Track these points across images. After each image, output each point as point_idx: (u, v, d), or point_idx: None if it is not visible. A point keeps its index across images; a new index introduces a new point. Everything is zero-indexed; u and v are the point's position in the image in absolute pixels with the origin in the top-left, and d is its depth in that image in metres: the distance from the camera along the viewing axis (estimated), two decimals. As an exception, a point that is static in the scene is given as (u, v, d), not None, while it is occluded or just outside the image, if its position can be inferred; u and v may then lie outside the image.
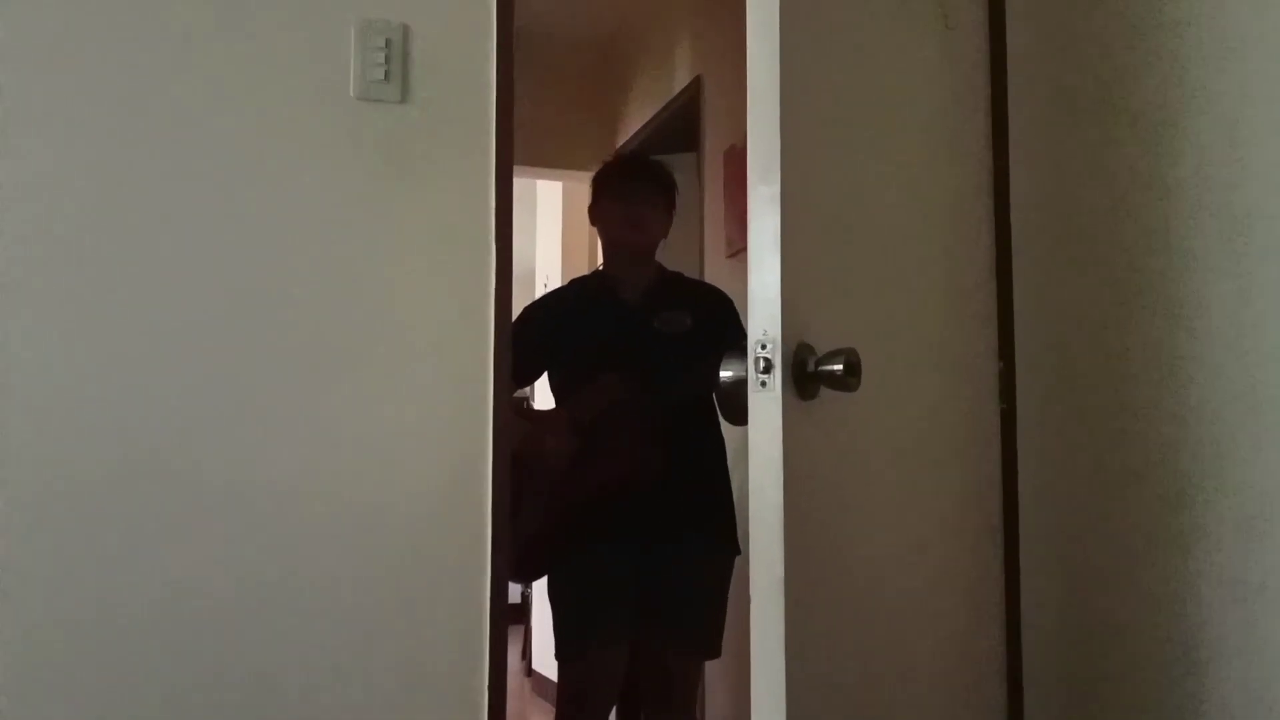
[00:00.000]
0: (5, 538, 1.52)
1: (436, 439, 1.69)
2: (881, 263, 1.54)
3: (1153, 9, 1.71)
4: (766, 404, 1.22)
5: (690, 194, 3.81)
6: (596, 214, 2.57)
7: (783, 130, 1.24)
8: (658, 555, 2.37)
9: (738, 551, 2.43)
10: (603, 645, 2.35)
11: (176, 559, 1.58)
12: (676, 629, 2.39)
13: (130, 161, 1.60)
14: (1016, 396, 1.85)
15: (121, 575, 1.55)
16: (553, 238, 5.32)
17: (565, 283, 2.90)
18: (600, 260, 2.65)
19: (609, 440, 2.37)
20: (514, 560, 1.76)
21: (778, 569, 1.18)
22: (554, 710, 2.51)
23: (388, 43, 1.71)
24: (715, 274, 3.59)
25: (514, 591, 5.41)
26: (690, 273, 3.16)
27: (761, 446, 1.22)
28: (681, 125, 4.00)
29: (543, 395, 3.43)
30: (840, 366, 1.23)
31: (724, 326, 2.43)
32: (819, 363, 1.25)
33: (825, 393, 1.27)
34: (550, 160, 4.65)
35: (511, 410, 1.76)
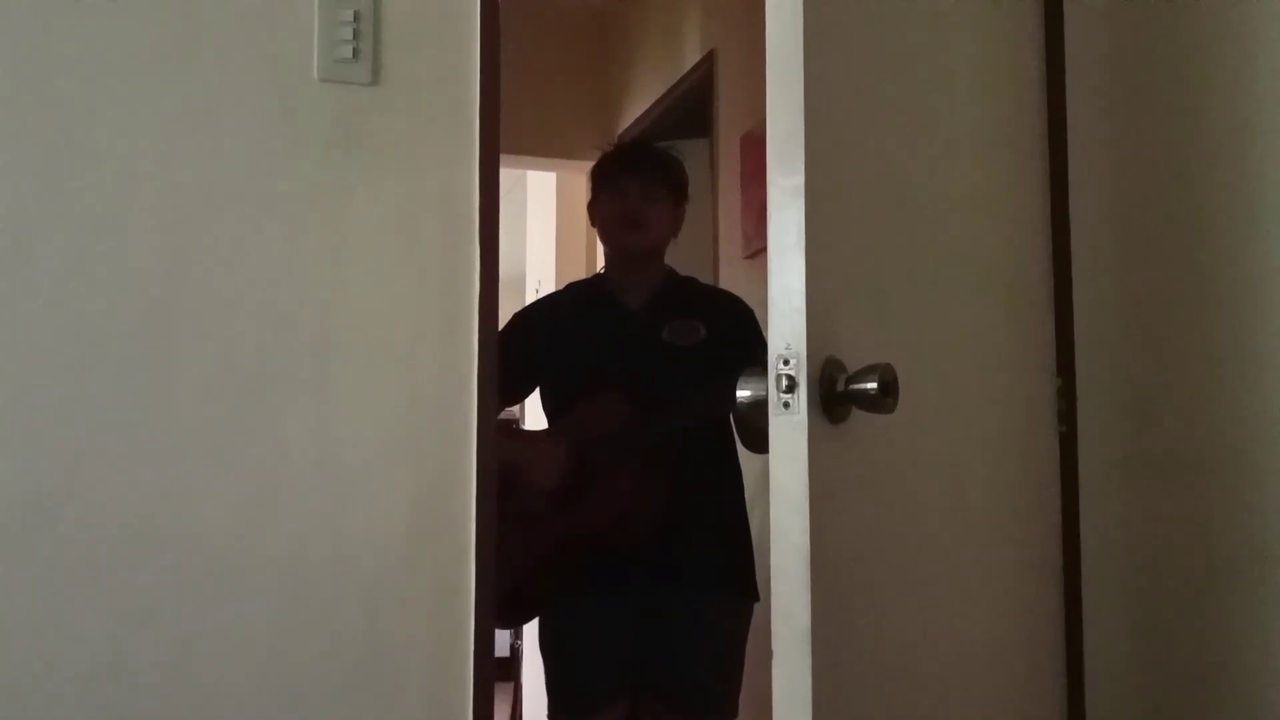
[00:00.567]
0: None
1: (409, 468, 1.68)
2: (921, 265, 1.54)
3: (1231, -27, 1.71)
4: (789, 428, 1.21)
5: (702, 186, 3.81)
6: (595, 212, 2.57)
7: (807, 113, 1.24)
8: (663, 605, 2.35)
9: (756, 598, 2.42)
10: (600, 708, 2.34)
11: (78, 631, 1.54)
12: (683, 688, 2.38)
13: (40, 147, 1.59)
14: (1078, 418, 1.85)
15: (7, 653, 1.52)
16: (545, 236, 5.32)
17: (561, 287, 2.90)
18: (601, 262, 2.65)
19: (607, 472, 2.35)
20: (499, 601, 1.75)
21: (803, 619, 1.17)
22: (548, 779, 2.50)
23: (356, 16, 1.71)
24: (731, 277, 3.59)
25: (501, 643, 5.40)
26: (702, 276, 3.16)
27: (784, 479, 1.21)
28: (692, 107, 4.01)
29: (533, 415, 3.42)
30: (874, 385, 1.23)
31: (744, 340, 2.41)
32: (850, 381, 1.24)
33: (857, 415, 1.27)
34: (542, 148, 4.65)
35: (497, 433, 1.75)
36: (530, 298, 5.16)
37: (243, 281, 1.64)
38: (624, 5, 4.75)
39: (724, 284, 3.45)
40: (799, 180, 1.23)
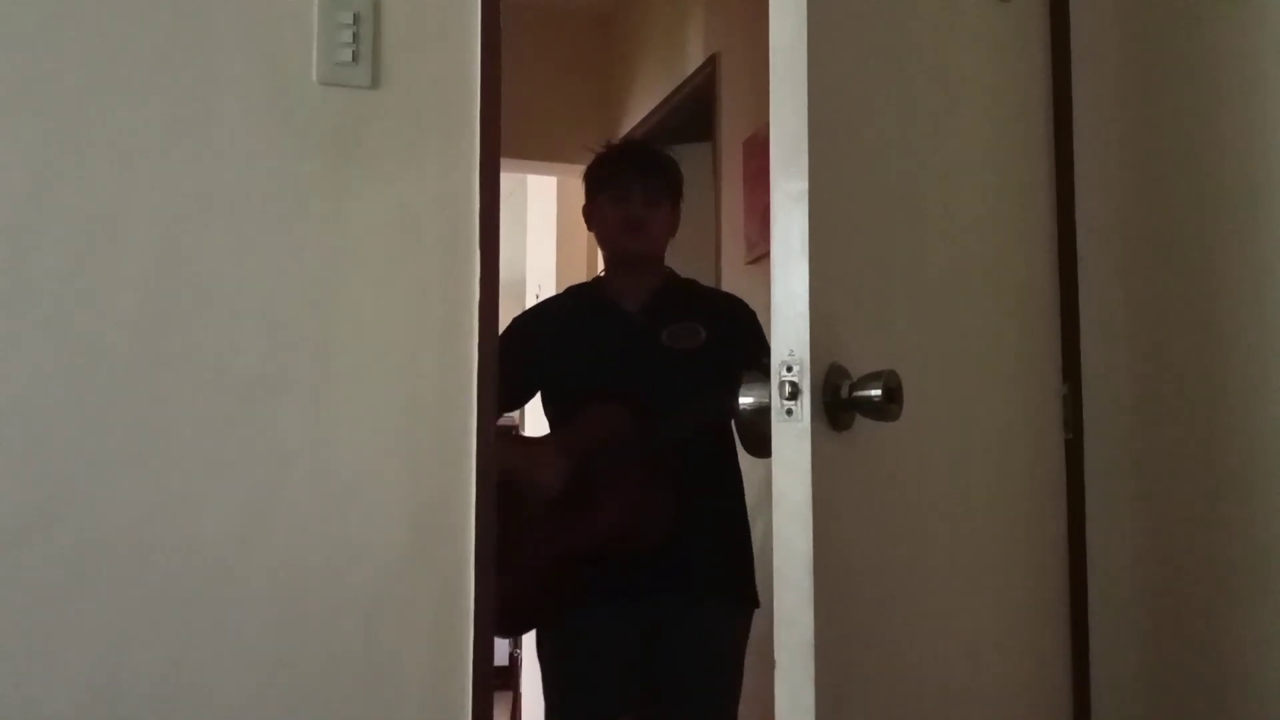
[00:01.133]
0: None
1: (407, 476, 1.68)
2: (926, 271, 1.53)
3: (1239, -23, 1.71)
4: (793, 436, 1.21)
5: (704, 190, 3.81)
6: (590, 215, 2.55)
7: (810, 117, 1.24)
8: (663, 615, 2.35)
9: (757, 604, 2.41)
10: (601, 720, 2.33)
11: (74, 643, 1.54)
12: (684, 699, 2.37)
13: (37, 150, 1.59)
14: (1084, 425, 1.84)
15: (3, 665, 1.50)
16: (546, 241, 5.32)
17: (560, 291, 2.89)
18: (601, 266, 2.64)
19: (608, 479, 2.35)
20: (497, 611, 1.75)
21: (806, 630, 1.17)
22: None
23: (356, 18, 1.71)
24: (734, 282, 3.59)
25: (500, 652, 5.39)
26: (705, 281, 3.16)
27: (787, 487, 1.21)
28: (695, 111, 4.01)
29: (533, 421, 3.42)
30: (879, 392, 1.22)
31: (744, 342, 2.41)
32: (854, 387, 1.24)
33: (861, 422, 1.26)
34: (543, 152, 4.66)
35: (498, 440, 1.75)
36: (531, 303, 5.17)
37: (240, 286, 1.64)
38: (626, 9, 4.76)
39: (727, 289, 3.45)
40: (803, 185, 1.23)
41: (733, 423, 2.38)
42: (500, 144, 1.76)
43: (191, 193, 1.64)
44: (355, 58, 1.70)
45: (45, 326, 1.57)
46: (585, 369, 2.44)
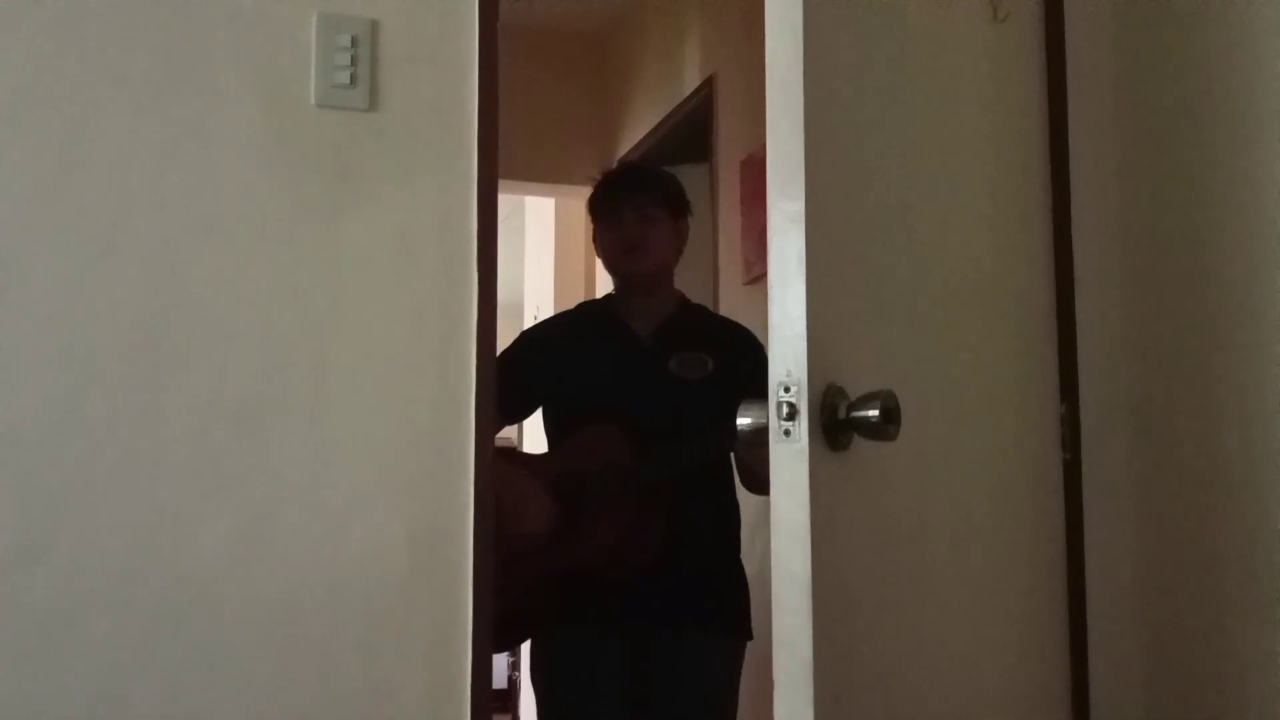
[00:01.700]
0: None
1: (405, 498, 1.67)
2: (923, 291, 1.54)
3: (1233, -3, 1.71)
4: (790, 457, 1.21)
5: (702, 211, 3.81)
6: (596, 243, 2.57)
7: (807, 137, 1.24)
8: (654, 645, 2.33)
9: (749, 637, 2.40)
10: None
11: (69, 667, 1.53)
12: None
13: (34, 170, 1.59)
14: (1082, 445, 1.84)
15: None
16: (543, 262, 5.32)
17: (561, 311, 2.89)
18: (601, 288, 2.64)
19: (599, 503, 2.34)
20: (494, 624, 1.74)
21: (805, 651, 1.17)
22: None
23: (353, 41, 1.71)
24: (731, 303, 3.59)
25: (499, 675, 5.37)
26: (702, 302, 3.16)
27: (785, 508, 1.21)
28: (692, 132, 4.02)
29: (531, 436, 3.42)
30: (877, 412, 1.23)
31: (752, 377, 2.38)
32: (852, 408, 1.24)
33: (859, 443, 1.26)
34: (540, 174, 4.67)
35: (496, 459, 1.74)
36: (529, 324, 5.17)
37: (237, 308, 1.64)
38: (623, 30, 4.78)
39: (724, 310, 3.46)
40: (799, 205, 1.24)
41: (733, 459, 2.38)
42: (498, 165, 1.76)
43: (188, 214, 1.64)
44: (353, 80, 1.71)
45: (40, 348, 1.57)
46: (589, 388, 2.43)
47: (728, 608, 2.39)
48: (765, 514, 1.26)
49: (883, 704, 1.36)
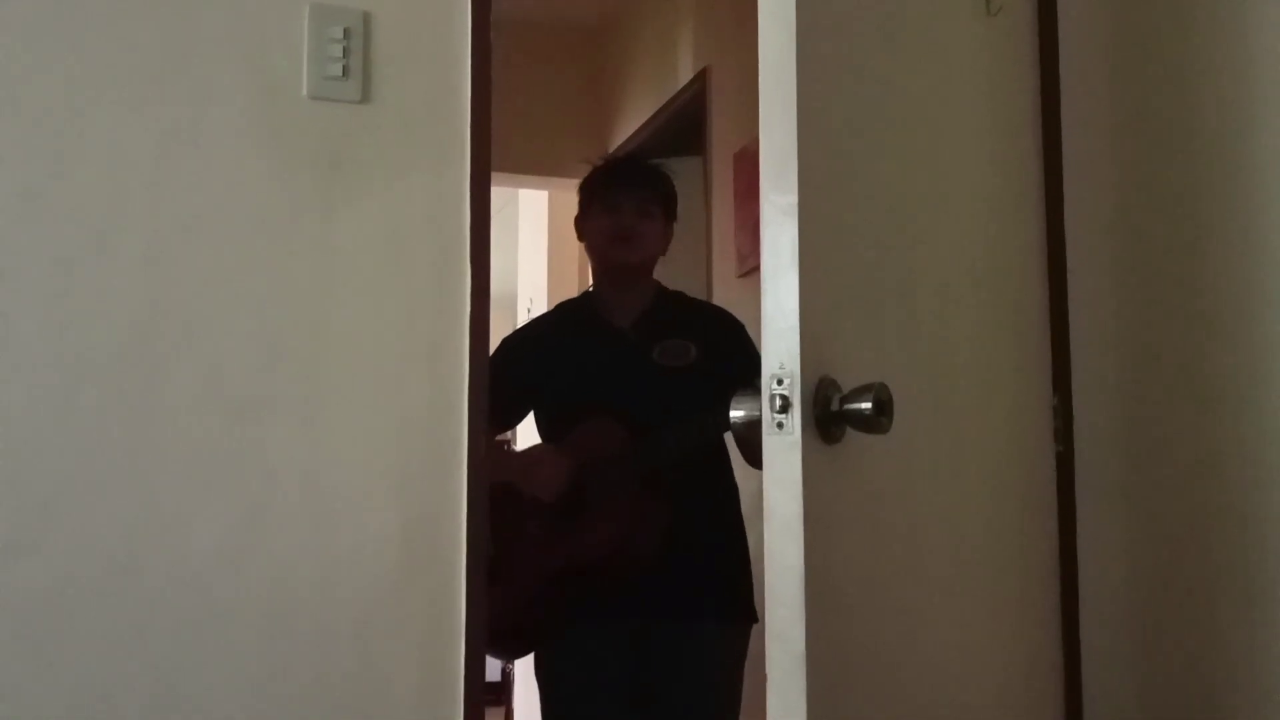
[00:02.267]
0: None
1: (398, 492, 1.67)
2: (916, 284, 1.54)
3: (1226, -10, 1.72)
4: (783, 449, 1.21)
5: (695, 203, 3.82)
6: (583, 227, 2.56)
7: (800, 130, 1.24)
8: (660, 633, 2.34)
9: (755, 620, 2.41)
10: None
11: (61, 661, 1.53)
12: (680, 717, 2.36)
13: (25, 165, 1.58)
14: (1074, 437, 1.85)
15: None
16: (537, 255, 5.32)
17: (551, 307, 2.89)
18: (591, 281, 2.64)
19: (603, 499, 2.35)
20: (494, 632, 1.74)
21: (798, 644, 1.17)
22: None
23: (346, 33, 1.71)
24: (725, 295, 3.59)
25: (492, 668, 5.38)
26: (696, 295, 3.16)
27: (778, 500, 1.21)
28: (686, 125, 4.02)
29: (525, 440, 3.41)
30: (869, 405, 1.23)
31: (734, 357, 2.41)
32: (845, 400, 1.24)
33: (852, 435, 1.27)
34: (534, 166, 4.66)
35: (490, 453, 1.75)
36: (523, 317, 5.17)
37: (229, 302, 1.64)
38: (617, 22, 4.77)
39: (717, 302, 3.45)
40: (792, 198, 1.24)
41: (729, 435, 2.39)
42: (491, 158, 1.76)
43: (181, 207, 1.63)
44: (345, 72, 1.70)
45: (32, 343, 1.57)
46: (577, 387, 2.44)
47: (732, 595, 2.39)
48: (759, 506, 1.26)
49: (876, 696, 1.36)
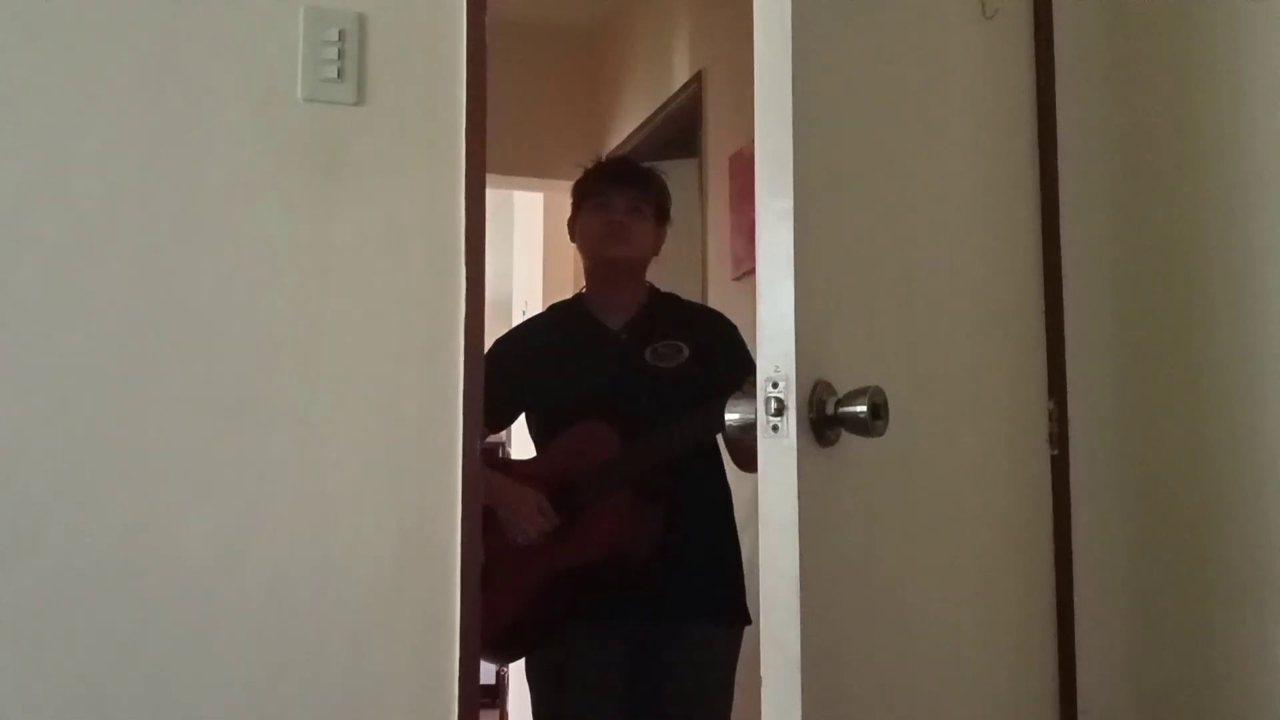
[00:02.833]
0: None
1: (393, 493, 1.67)
2: (911, 287, 1.54)
3: (1221, -5, 1.72)
4: (779, 452, 1.21)
5: (691, 207, 3.82)
6: (575, 227, 2.57)
7: (795, 134, 1.24)
8: (653, 636, 2.34)
9: (748, 622, 2.41)
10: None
11: (56, 661, 1.52)
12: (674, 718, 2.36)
13: (20, 166, 1.58)
14: (1069, 441, 1.85)
15: None
16: (532, 258, 5.32)
17: (537, 313, 2.89)
18: (584, 283, 2.64)
19: (597, 503, 2.34)
20: (488, 636, 1.74)
21: (793, 648, 1.17)
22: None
23: (341, 35, 1.71)
24: (720, 298, 3.59)
25: (486, 670, 5.37)
26: (691, 298, 3.16)
27: (773, 503, 1.21)
28: (681, 127, 4.02)
29: (519, 440, 3.41)
30: (864, 408, 1.23)
31: (726, 358, 2.41)
32: (840, 403, 1.24)
33: (847, 438, 1.27)
34: (529, 168, 4.66)
35: (484, 461, 1.74)
36: (518, 320, 5.16)
37: (225, 303, 1.64)
38: (612, 25, 4.77)
39: (713, 306, 3.45)
40: (788, 202, 1.24)
41: (720, 439, 2.39)
42: (486, 160, 1.76)
43: (176, 208, 1.63)
44: (340, 74, 1.70)
45: (28, 342, 1.56)
46: (570, 388, 2.44)
47: (726, 597, 2.39)
48: (754, 509, 1.26)
49: (871, 700, 1.36)
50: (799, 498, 1.19)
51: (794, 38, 1.25)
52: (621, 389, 2.40)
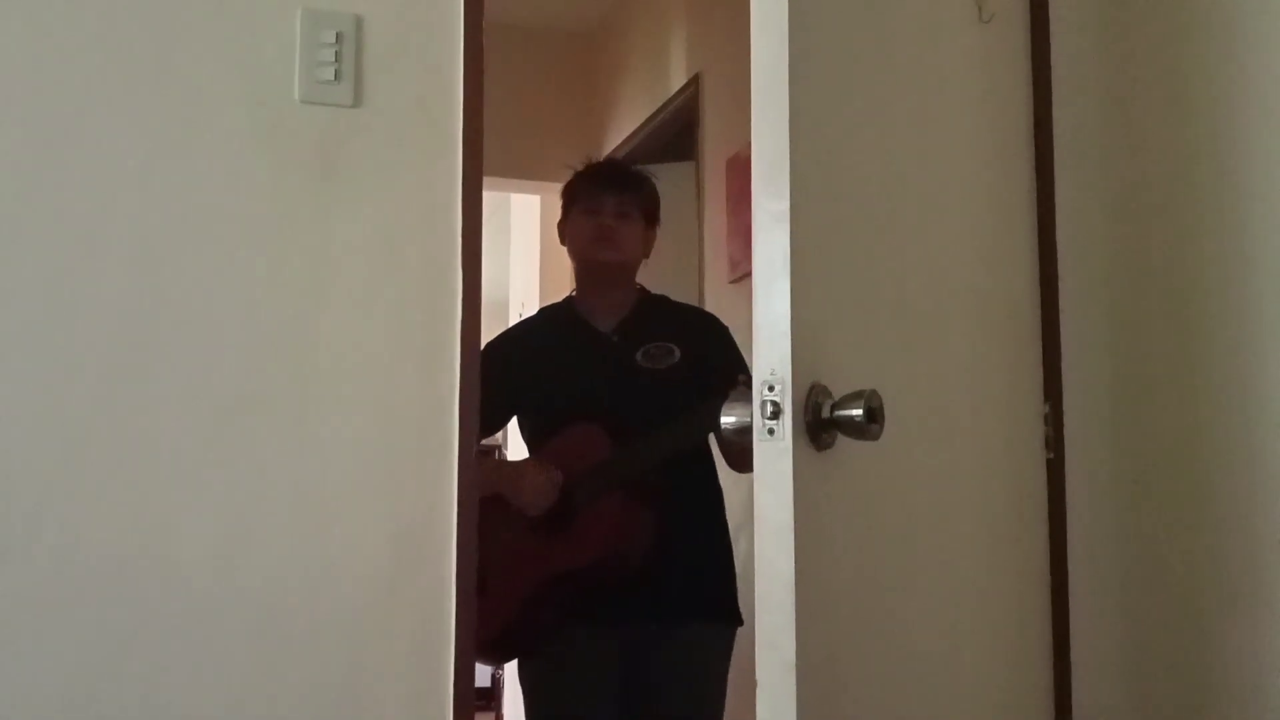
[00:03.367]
0: None
1: (389, 496, 1.67)
2: (908, 291, 1.54)
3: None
4: (774, 455, 1.21)
5: (688, 209, 3.82)
6: (565, 230, 2.57)
7: (792, 137, 1.24)
8: (646, 637, 2.34)
9: (740, 623, 2.40)
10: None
11: (49, 665, 1.52)
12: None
13: (17, 167, 1.58)
14: (1065, 445, 1.85)
15: None
16: (529, 260, 5.32)
17: (527, 317, 2.89)
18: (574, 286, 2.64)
19: (589, 505, 2.34)
20: (481, 638, 1.73)
21: (788, 651, 1.17)
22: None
23: (338, 37, 1.71)
24: (716, 301, 3.59)
25: (482, 673, 5.37)
26: (688, 300, 3.16)
27: (769, 506, 1.21)
28: (678, 130, 4.02)
29: (517, 443, 3.41)
30: (860, 411, 1.23)
31: (717, 358, 2.42)
32: (835, 407, 1.24)
33: (843, 442, 1.26)
34: (526, 171, 4.66)
35: (482, 460, 1.74)
36: (514, 321, 5.16)
37: (221, 305, 1.63)
38: (609, 28, 4.77)
39: (709, 308, 3.45)
40: (784, 205, 1.23)
41: (713, 439, 2.39)
42: (483, 162, 1.76)
43: (172, 210, 1.63)
44: (337, 76, 1.70)
45: (23, 344, 1.56)
46: (562, 391, 2.44)
47: (718, 597, 2.39)
48: (749, 512, 1.26)
49: (866, 703, 1.36)
50: (794, 501, 1.19)
51: (791, 41, 1.25)
52: (614, 392, 2.40)
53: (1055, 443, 1.84)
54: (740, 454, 2.33)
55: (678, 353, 2.42)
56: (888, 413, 1.25)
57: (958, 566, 1.61)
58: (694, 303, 3.58)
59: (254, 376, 1.64)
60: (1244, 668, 1.62)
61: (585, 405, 2.39)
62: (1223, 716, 1.65)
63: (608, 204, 2.47)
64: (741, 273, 3.48)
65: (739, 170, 3.49)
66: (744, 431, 1.26)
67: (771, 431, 1.21)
